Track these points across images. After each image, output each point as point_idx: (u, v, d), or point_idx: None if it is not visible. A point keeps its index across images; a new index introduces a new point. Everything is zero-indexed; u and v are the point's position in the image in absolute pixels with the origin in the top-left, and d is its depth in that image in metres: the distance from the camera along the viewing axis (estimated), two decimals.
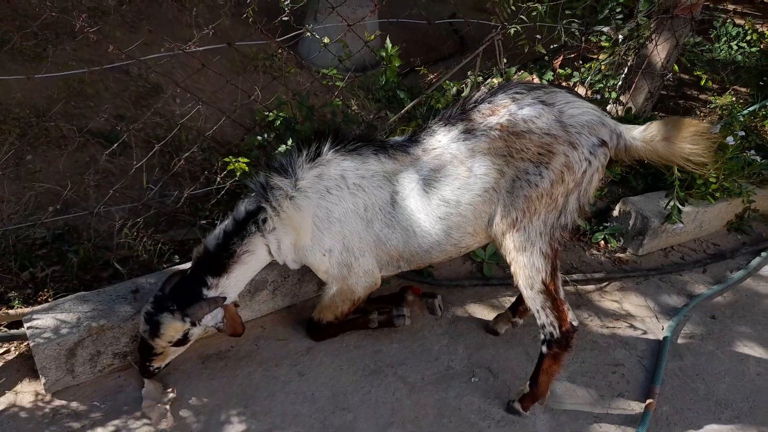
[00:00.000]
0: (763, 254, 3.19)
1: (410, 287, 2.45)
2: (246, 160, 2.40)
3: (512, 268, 1.95)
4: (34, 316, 1.90)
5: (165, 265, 2.45)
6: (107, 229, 2.54)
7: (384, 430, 2.00)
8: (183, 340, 1.95)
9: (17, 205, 2.56)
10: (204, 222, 2.62)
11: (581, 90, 3.87)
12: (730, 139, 3.07)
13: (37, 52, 3.39)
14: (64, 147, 2.94)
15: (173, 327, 1.89)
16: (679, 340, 2.58)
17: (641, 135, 1.88)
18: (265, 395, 2.05)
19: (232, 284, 1.98)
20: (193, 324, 1.92)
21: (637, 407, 2.22)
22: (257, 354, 2.20)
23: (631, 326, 2.61)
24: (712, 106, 4.72)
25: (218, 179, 2.52)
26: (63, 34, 3.54)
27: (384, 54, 2.83)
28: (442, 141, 1.92)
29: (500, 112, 1.84)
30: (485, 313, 2.56)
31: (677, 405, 2.27)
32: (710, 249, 3.24)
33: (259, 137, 2.74)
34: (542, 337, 2.00)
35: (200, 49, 2.22)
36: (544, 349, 2.00)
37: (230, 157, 2.40)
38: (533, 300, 1.95)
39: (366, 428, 2.00)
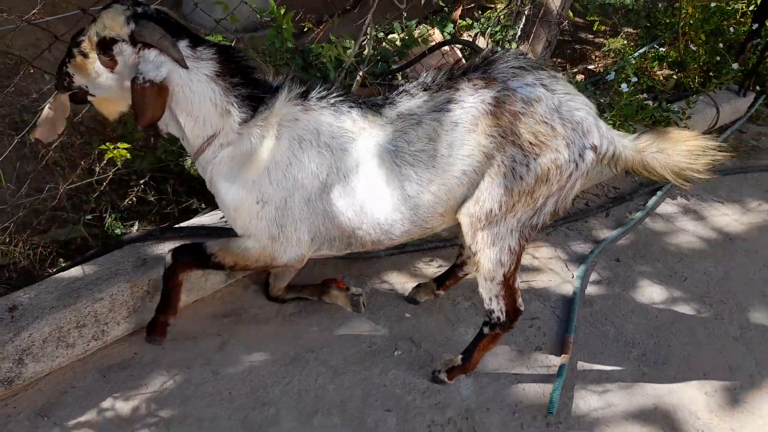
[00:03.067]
0: (659, 193, 3.37)
1: (334, 280, 2.33)
2: (127, 145, 2.15)
3: (475, 257, 1.83)
4: None
5: (50, 270, 2.20)
6: None
7: (309, 420, 1.94)
8: (107, 55, 1.58)
9: None
10: (90, 217, 2.37)
11: (482, 41, 3.84)
12: (624, 86, 3.15)
13: None
14: None
15: (114, 17, 1.55)
16: (588, 287, 2.69)
17: (633, 144, 1.78)
18: (178, 402, 1.92)
19: (187, 90, 1.64)
20: (133, 39, 1.55)
21: (554, 359, 2.29)
22: (165, 357, 2.05)
23: (545, 278, 2.68)
24: (605, 49, 4.87)
25: (98, 169, 2.26)
26: None
27: (268, 16, 2.61)
28: (422, 108, 1.71)
29: (495, 85, 1.66)
30: (404, 283, 2.52)
31: (590, 351, 2.37)
32: (611, 193, 3.38)
33: None
34: (487, 319, 1.97)
35: (49, 18, 1.93)
36: (486, 329, 1.99)
37: (108, 143, 2.14)
38: (489, 290, 1.88)
39: (290, 420, 1.93)
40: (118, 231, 2.37)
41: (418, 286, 2.41)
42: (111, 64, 1.61)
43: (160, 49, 1.56)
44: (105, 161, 2.24)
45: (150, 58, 1.56)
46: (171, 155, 2.55)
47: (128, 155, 2.16)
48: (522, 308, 1.96)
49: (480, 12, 4.12)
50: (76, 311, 1.87)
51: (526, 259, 2.77)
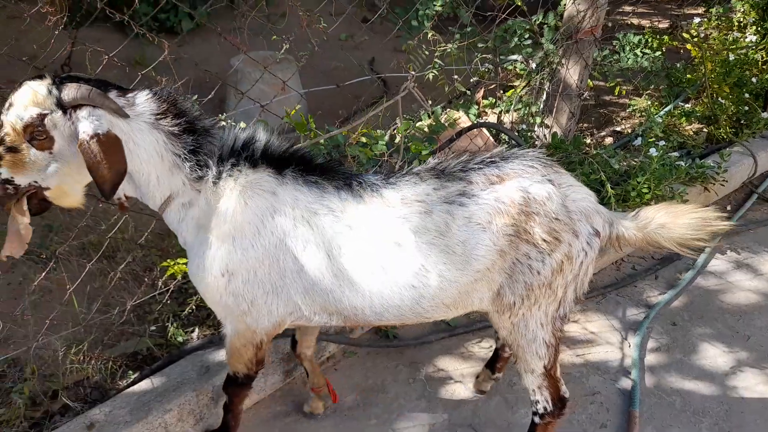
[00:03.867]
0: (707, 250, 3.32)
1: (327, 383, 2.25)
2: (185, 260, 2.32)
3: (514, 351, 1.86)
4: None
5: (120, 383, 2.32)
6: (51, 354, 2.39)
7: None
8: (41, 136, 1.44)
9: None
10: (154, 328, 2.51)
11: (509, 117, 3.99)
12: (653, 151, 3.21)
13: None
14: None
15: (33, 92, 1.42)
16: (648, 355, 2.63)
17: (633, 224, 1.80)
18: None
19: (131, 144, 1.52)
20: (61, 106, 1.43)
21: None
22: None
23: (600, 350, 2.65)
24: (631, 109, 4.96)
25: (160, 283, 2.43)
26: None
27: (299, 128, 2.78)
28: (431, 196, 1.65)
29: (509, 183, 1.65)
30: (457, 366, 2.54)
31: (658, 424, 2.30)
32: (657, 254, 3.35)
33: None
34: (534, 409, 1.95)
35: None
36: (537, 419, 1.96)
37: (169, 260, 2.31)
38: (531, 382, 1.89)
39: None
40: (180, 339, 2.49)
41: (478, 377, 2.40)
42: (48, 144, 1.47)
43: (93, 105, 1.45)
44: (167, 275, 2.41)
45: (85, 116, 1.44)
46: None
47: (186, 269, 2.31)
48: (567, 395, 1.95)
49: (502, 91, 4.32)
50: (147, 424, 1.97)
51: (579, 332, 2.75)
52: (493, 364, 2.35)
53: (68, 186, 1.57)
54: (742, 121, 4.26)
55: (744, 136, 4.05)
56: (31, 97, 1.43)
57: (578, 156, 3.30)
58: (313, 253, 1.66)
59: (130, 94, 1.55)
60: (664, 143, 3.39)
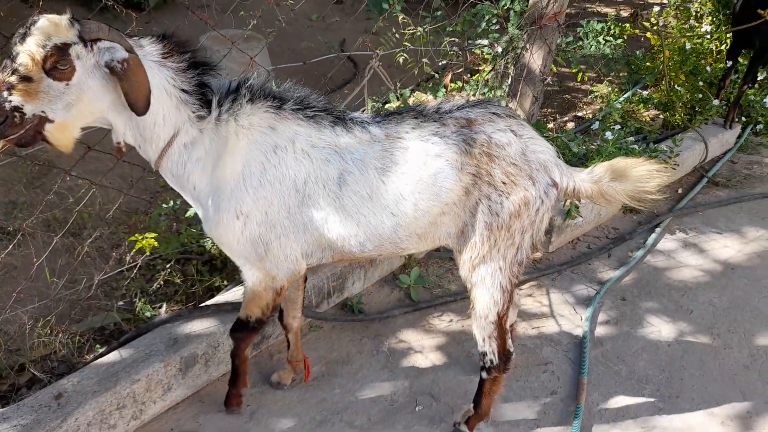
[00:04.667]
0: (657, 230, 3.50)
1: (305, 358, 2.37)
2: (154, 234, 2.36)
3: (471, 295, 1.97)
4: None
5: (88, 357, 2.36)
6: (18, 329, 2.41)
7: None
8: (63, 65, 1.49)
9: None
10: (121, 303, 2.55)
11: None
12: (608, 134, 3.35)
13: None
14: None
15: (56, 24, 1.47)
16: (597, 328, 2.79)
17: (589, 177, 1.92)
18: None
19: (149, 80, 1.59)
20: (82, 39, 1.50)
21: (570, 402, 2.38)
22: (201, 430, 2.17)
23: (554, 323, 2.79)
24: (593, 95, 5.12)
25: (128, 258, 2.46)
26: None
27: None
28: (410, 134, 1.81)
29: (475, 127, 1.80)
30: (419, 338, 2.65)
31: (604, 390, 2.46)
32: (611, 233, 3.51)
33: (165, 204, 2.70)
34: (482, 364, 2.06)
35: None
36: (484, 374, 2.08)
37: (137, 234, 2.35)
38: (483, 329, 1.98)
39: None
40: (148, 314, 2.53)
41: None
42: (69, 74, 1.51)
43: (110, 40, 1.52)
44: (134, 250, 2.44)
45: (107, 47, 1.52)
46: (192, 238, 2.75)
47: (156, 244, 2.35)
48: (511, 350, 2.07)
49: (469, 75, 4.40)
50: (116, 394, 2.01)
51: (534, 306, 2.89)
52: None
53: (71, 122, 1.59)
54: (696, 109, 4.45)
55: (696, 122, 4.24)
56: (54, 29, 1.47)
57: None
58: (312, 186, 1.79)
59: (135, 37, 1.63)
60: (620, 128, 3.53)
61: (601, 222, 3.55)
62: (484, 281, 1.91)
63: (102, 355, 2.21)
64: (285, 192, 1.78)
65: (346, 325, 2.67)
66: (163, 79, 1.65)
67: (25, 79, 1.48)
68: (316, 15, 6.52)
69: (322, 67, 3.84)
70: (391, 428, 2.23)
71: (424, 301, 2.84)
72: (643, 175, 1.90)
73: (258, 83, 1.78)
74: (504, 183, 1.79)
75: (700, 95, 4.39)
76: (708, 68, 4.48)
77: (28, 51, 1.47)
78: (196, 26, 4.67)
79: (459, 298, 2.88)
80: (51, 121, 1.55)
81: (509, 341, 2.06)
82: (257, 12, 2.92)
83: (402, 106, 3.78)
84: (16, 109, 1.49)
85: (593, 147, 3.62)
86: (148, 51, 1.63)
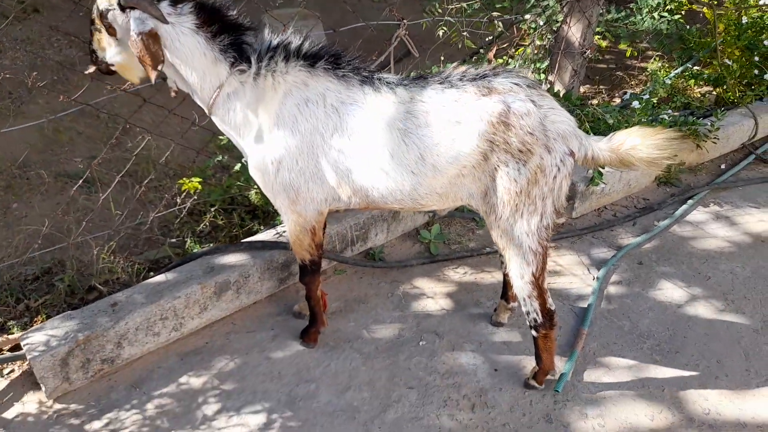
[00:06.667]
0: (690, 202, 3.49)
1: (323, 294, 2.61)
2: (199, 179, 2.72)
3: (505, 258, 2.11)
4: (29, 336, 2.21)
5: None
6: (89, 258, 2.86)
7: (342, 394, 2.31)
8: (108, 26, 1.90)
9: (9, 248, 2.88)
10: (174, 240, 2.94)
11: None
12: (635, 104, 3.38)
13: (13, 110, 3.74)
14: (45, 192, 3.27)
15: None
16: (609, 287, 2.88)
17: (607, 145, 2.02)
18: (237, 379, 2.36)
19: (177, 43, 1.90)
20: (121, 6, 1.84)
21: (567, 349, 2.52)
22: (229, 346, 2.51)
23: (565, 280, 2.92)
24: (647, 72, 5.05)
25: (178, 200, 2.84)
26: (35, 90, 3.89)
27: None
28: (433, 98, 1.94)
29: (495, 96, 1.90)
30: (432, 286, 2.86)
31: (603, 341, 2.57)
32: (640, 204, 3.54)
33: (213, 159, 3.08)
34: (528, 323, 2.20)
35: (142, 85, 2.54)
36: (534, 333, 2.21)
37: (184, 178, 2.72)
38: (521, 289, 2.11)
39: (326, 394, 2.30)
40: (195, 250, 2.91)
41: (496, 309, 2.66)
42: (113, 32, 1.90)
43: (141, 9, 1.81)
44: (184, 194, 2.82)
45: (136, 16, 1.82)
46: (237, 189, 3.10)
47: (200, 187, 2.71)
48: (553, 308, 2.18)
49: (514, 50, 4.50)
50: (160, 306, 2.39)
51: (548, 265, 3.01)
52: (505, 293, 2.58)
53: (126, 67, 2.01)
54: (752, 86, 4.31)
55: (748, 98, 4.12)
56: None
57: (568, 108, 3.50)
58: (339, 138, 1.99)
59: (180, 5, 1.89)
60: (647, 98, 3.53)
61: (630, 192, 3.58)
62: (513, 243, 2.03)
63: (151, 277, 2.60)
64: (315, 143, 2.00)
65: (367, 270, 2.94)
66: (197, 43, 1.92)
67: (97, 30, 1.96)
68: None
69: (377, 44, 4.07)
70: (395, 357, 2.47)
71: (442, 254, 3.05)
72: (660, 143, 1.98)
73: (296, 43, 1.99)
74: (521, 151, 1.90)
75: (756, 71, 4.26)
76: (766, 42, 4.32)
77: (95, 10, 1.91)
78: (259, 6, 5.06)
79: (476, 254, 3.06)
80: (111, 65, 2.01)
81: (549, 299, 2.16)
82: None
83: None
84: (93, 52, 2.02)
85: (621, 118, 3.65)
86: (184, 20, 1.89)
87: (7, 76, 3.16)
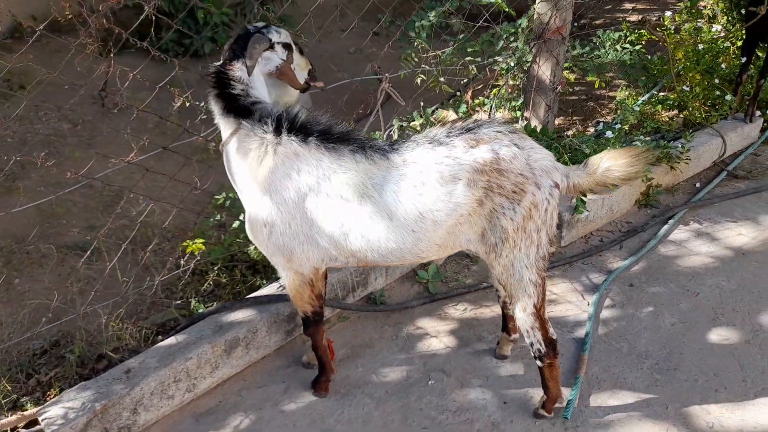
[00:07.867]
0: (671, 221, 3.65)
1: (329, 342, 2.65)
2: (202, 240, 2.81)
3: (508, 291, 2.20)
4: (46, 410, 2.25)
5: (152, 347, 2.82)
6: (96, 327, 2.90)
7: None
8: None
9: (14, 324, 2.92)
10: (178, 301, 3.01)
11: (499, 114, 4.40)
12: (608, 133, 3.57)
13: (6, 186, 3.82)
14: (46, 265, 3.33)
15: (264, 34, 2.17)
16: (603, 312, 2.99)
17: (584, 171, 2.15)
18: None
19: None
20: (269, 42, 2.13)
21: (570, 375, 2.60)
22: (242, 403, 2.55)
23: (562, 308, 3.02)
24: (616, 101, 5.30)
25: (182, 263, 2.92)
26: (28, 165, 3.98)
27: None
28: (424, 158, 2.05)
29: (483, 147, 2.03)
30: (434, 325, 2.95)
31: (604, 365, 2.66)
32: (624, 227, 3.69)
33: (211, 219, 3.17)
34: (533, 354, 2.26)
35: (142, 157, 2.66)
36: (539, 363, 2.29)
37: (187, 241, 2.81)
38: (524, 321, 2.20)
39: None
40: (201, 311, 2.97)
41: (499, 342, 2.74)
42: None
43: (273, 49, 2.17)
44: (187, 255, 2.90)
45: (277, 51, 2.18)
46: (236, 246, 3.19)
47: (203, 247, 2.80)
48: (554, 336, 2.27)
49: (489, 90, 4.72)
50: (173, 369, 2.44)
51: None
52: (506, 326, 2.67)
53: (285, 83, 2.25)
54: (716, 107, 4.55)
55: (713, 118, 4.36)
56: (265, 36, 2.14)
57: (546, 142, 3.68)
58: (333, 204, 2.08)
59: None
60: (619, 127, 3.73)
61: (614, 217, 3.74)
62: (514, 278, 2.15)
63: (162, 340, 2.65)
64: (308, 209, 2.09)
65: (369, 315, 3.01)
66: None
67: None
68: (354, 48, 7.05)
69: (361, 94, 4.25)
70: (405, 398, 2.53)
71: (441, 293, 3.14)
72: (629, 161, 2.13)
73: (290, 114, 2.10)
74: (514, 192, 2.04)
75: (718, 93, 4.51)
76: (723, 66, 4.59)
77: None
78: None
79: (473, 290, 3.16)
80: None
81: (551, 329, 2.25)
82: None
83: (425, 123, 4.15)
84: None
85: (596, 148, 3.83)
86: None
87: None
